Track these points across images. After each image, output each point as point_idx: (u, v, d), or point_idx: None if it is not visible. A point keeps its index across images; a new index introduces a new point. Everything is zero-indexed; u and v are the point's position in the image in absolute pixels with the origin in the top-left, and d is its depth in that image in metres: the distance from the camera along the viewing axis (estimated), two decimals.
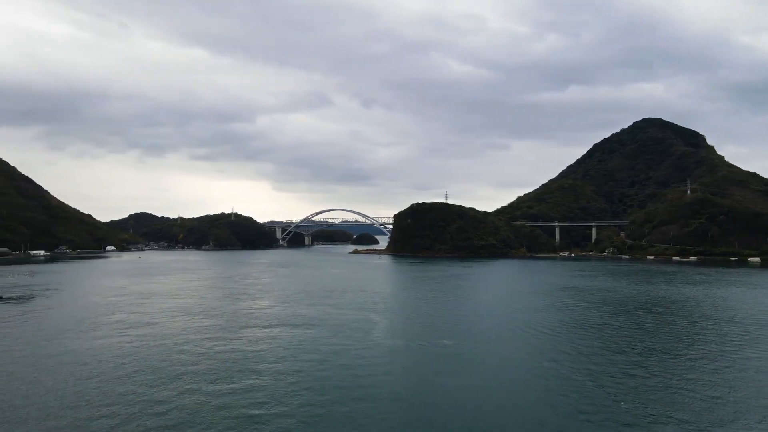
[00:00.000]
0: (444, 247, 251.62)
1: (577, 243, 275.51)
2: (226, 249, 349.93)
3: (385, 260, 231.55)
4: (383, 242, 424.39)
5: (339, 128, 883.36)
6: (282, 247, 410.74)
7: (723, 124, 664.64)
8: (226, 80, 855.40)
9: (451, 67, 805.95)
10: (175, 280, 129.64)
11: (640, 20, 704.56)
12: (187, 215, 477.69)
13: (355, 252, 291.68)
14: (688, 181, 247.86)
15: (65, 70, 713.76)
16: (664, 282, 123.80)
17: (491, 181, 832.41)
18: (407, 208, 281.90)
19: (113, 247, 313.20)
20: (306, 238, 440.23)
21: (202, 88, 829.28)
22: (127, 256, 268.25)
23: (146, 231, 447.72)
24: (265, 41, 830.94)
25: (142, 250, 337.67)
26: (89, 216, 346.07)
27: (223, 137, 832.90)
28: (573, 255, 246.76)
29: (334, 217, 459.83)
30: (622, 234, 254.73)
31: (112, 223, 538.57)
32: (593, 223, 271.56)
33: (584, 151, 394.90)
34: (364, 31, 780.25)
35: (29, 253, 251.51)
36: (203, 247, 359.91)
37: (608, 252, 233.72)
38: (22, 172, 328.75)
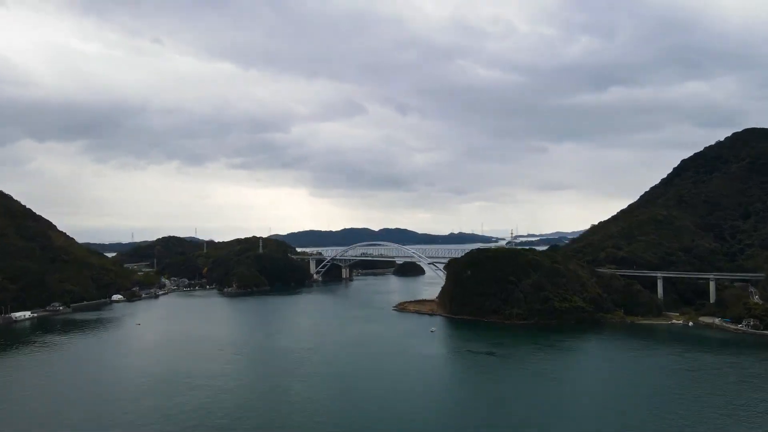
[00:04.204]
0: (516, 311, 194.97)
1: (686, 300, 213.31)
2: (251, 292, 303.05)
3: (439, 333, 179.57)
4: (429, 271, 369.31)
5: (373, 135, 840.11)
6: (316, 282, 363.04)
7: None
8: (259, 91, 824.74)
9: (481, 72, 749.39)
10: None
11: (673, 18, 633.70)
12: (221, 225, 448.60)
13: (401, 308, 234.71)
14: None
15: (106, 86, 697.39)
16: None
17: (530, 184, 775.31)
18: (465, 256, 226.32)
19: (120, 296, 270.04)
20: (343, 270, 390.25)
21: (235, 99, 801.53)
22: (128, 316, 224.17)
23: (169, 262, 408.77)
24: (294, 52, 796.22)
25: (156, 296, 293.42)
26: (97, 255, 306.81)
27: (258, 147, 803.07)
28: (691, 323, 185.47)
29: (376, 243, 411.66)
30: (755, 294, 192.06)
31: (140, 248, 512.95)
32: (711, 275, 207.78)
33: (627, 152, 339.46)
34: (392, 39, 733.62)
35: (11, 318, 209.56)
36: (225, 289, 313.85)
37: (745, 325, 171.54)
38: (26, 205, 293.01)
